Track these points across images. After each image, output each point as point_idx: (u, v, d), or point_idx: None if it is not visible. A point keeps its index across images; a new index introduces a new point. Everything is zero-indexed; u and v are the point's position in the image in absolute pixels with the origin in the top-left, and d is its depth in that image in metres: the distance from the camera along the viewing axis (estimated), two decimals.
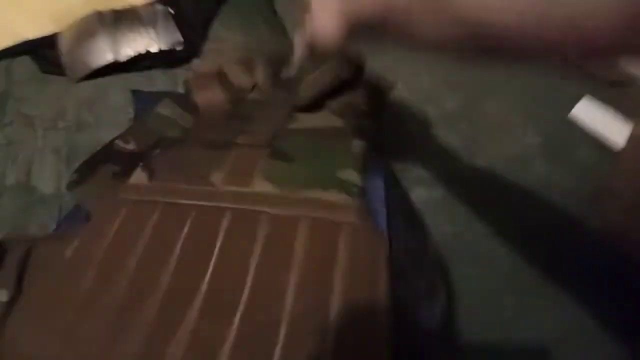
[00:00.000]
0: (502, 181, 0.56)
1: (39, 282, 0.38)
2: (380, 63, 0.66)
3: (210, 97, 0.55)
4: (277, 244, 0.37)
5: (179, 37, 0.64)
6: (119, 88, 0.59)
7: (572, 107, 0.62)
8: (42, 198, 0.50)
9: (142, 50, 0.61)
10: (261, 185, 0.40)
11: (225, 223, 0.38)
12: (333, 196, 0.39)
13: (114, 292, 0.35)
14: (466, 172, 0.56)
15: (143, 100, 0.58)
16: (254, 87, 0.56)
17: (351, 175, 0.40)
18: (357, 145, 0.44)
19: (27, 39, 0.61)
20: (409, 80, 0.65)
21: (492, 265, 0.49)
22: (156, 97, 0.57)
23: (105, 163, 0.47)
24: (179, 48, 0.64)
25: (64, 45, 0.61)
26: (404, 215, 0.42)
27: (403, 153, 0.57)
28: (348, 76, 0.51)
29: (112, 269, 0.37)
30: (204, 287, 0.35)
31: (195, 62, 0.65)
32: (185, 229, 0.38)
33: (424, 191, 0.54)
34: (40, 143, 0.54)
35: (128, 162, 0.47)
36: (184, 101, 0.56)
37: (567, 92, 0.64)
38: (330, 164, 0.42)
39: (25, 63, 0.61)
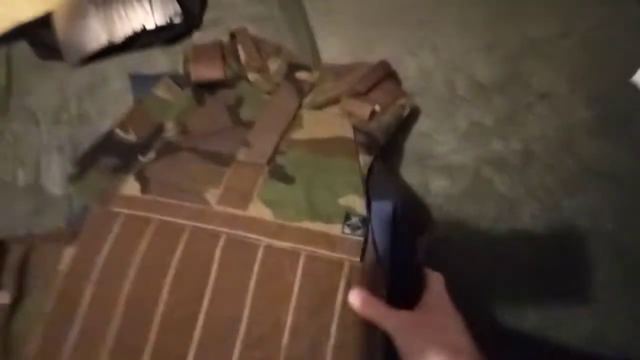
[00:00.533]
0: (540, 165, 0.49)
1: (37, 292, 0.39)
2: (405, 24, 0.58)
3: (207, 72, 0.50)
4: (274, 278, 0.35)
5: (176, 7, 0.58)
6: (117, 73, 0.56)
7: (634, 69, 0.52)
8: (51, 199, 0.50)
9: (138, 28, 0.56)
10: (258, 210, 0.37)
11: (219, 249, 0.36)
12: (333, 229, 0.35)
13: (110, 322, 0.35)
14: (498, 157, 0.49)
15: (143, 85, 0.54)
16: (261, 70, 0.51)
17: (354, 203, 0.36)
18: (365, 161, 0.39)
19: (21, 22, 0.58)
20: (437, 45, 0.56)
21: (517, 263, 0.44)
22: (156, 80, 0.53)
23: (106, 155, 0.45)
24: (177, 20, 0.58)
25: (57, 27, 0.57)
26: (409, 247, 0.38)
27: (425, 137, 0.51)
28: (364, 91, 0.45)
29: (106, 296, 0.36)
30: (201, 319, 0.34)
31: (197, 35, 0.59)
32: (179, 252, 0.37)
33: (446, 183, 0.48)
34: (45, 140, 0.53)
35: (128, 155, 0.45)
36: (183, 82, 0.52)
37: (629, 52, 0.53)
38: (332, 188, 0.38)
39: (22, 49, 0.58)
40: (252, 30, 0.55)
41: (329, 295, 0.33)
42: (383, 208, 0.36)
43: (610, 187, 0.47)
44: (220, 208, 0.38)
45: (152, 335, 0.34)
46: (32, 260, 0.40)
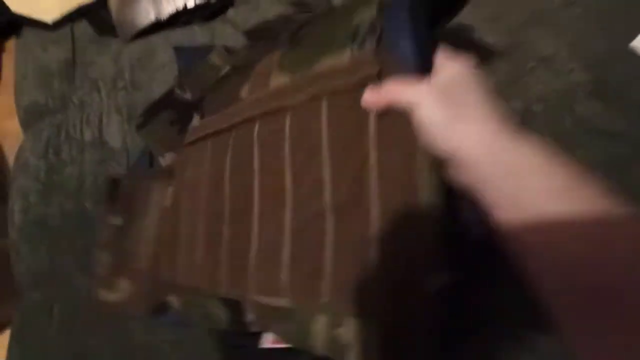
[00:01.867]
0: (540, 123, 0.54)
1: (140, 219, 0.49)
2: None
3: None
4: (304, 136, 0.36)
5: None
6: (163, 46, 0.64)
7: (634, 36, 0.55)
8: (112, 151, 0.59)
9: (181, 7, 0.64)
10: (276, 79, 0.40)
11: (256, 133, 0.41)
12: (343, 56, 0.34)
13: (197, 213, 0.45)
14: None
15: (185, 56, 0.62)
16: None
17: (366, 14, 0.34)
18: None
19: (82, 4, 0.67)
20: None
21: None
22: (197, 52, 0.61)
23: (166, 109, 0.54)
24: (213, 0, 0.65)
25: (112, 7, 0.66)
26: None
27: None
28: None
29: (194, 208, 0.46)
30: (256, 194, 0.39)
31: (231, 12, 0.67)
32: (229, 152, 0.44)
33: None
34: (105, 103, 0.62)
35: (184, 111, 0.54)
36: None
37: (628, 18, 0.57)
38: (346, 13, 0.37)
39: (83, 27, 0.67)
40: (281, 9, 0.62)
41: (361, 125, 0.32)
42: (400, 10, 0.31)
43: (605, 143, 0.52)
44: (251, 97, 0.43)
45: (226, 213, 0.42)
46: (136, 194, 0.50)
